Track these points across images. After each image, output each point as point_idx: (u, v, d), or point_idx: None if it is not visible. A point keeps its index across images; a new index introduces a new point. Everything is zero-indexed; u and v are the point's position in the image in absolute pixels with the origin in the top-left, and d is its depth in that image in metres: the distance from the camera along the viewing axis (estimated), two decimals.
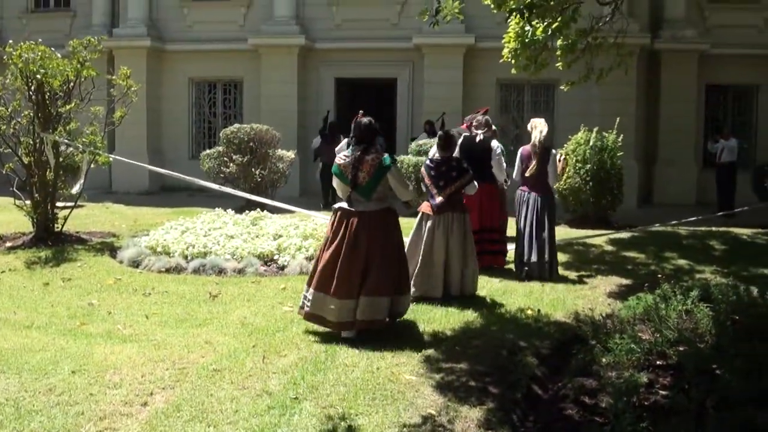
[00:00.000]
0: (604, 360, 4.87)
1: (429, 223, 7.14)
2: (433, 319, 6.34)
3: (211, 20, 18.63)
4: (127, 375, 4.80)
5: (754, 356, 4.62)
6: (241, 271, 8.02)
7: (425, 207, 7.26)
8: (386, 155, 6.00)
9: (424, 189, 7.58)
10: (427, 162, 7.42)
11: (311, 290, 5.81)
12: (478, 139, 8.62)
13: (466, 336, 5.89)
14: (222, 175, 13.47)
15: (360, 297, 5.70)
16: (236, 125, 14.13)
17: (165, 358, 5.14)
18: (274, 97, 17.71)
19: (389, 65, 18.13)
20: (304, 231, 9.09)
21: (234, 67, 18.53)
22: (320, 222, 9.78)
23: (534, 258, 8.22)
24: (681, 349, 5.04)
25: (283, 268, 8.19)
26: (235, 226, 9.44)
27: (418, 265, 7.03)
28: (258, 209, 10.51)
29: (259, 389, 4.57)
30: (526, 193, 8.42)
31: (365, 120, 6.06)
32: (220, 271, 8.00)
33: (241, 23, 18.54)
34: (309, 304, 5.80)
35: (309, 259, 8.26)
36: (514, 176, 8.74)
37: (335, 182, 6.09)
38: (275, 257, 8.38)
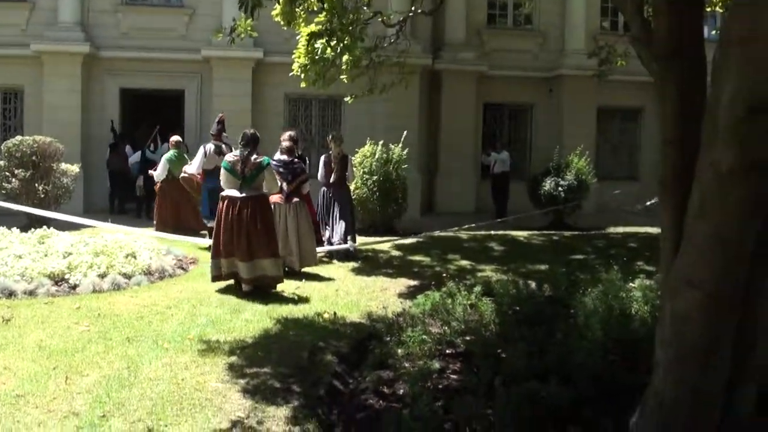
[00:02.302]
0: (399, 352, 5.30)
1: (280, 210, 9.17)
2: (234, 328, 6.48)
3: None
4: None
5: (535, 339, 5.26)
6: (32, 293, 7.61)
7: (276, 198, 9.08)
8: (265, 157, 8.25)
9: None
10: (274, 162, 9.06)
11: (217, 259, 7.92)
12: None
13: (267, 342, 6.07)
14: (4, 191, 12.64)
15: (253, 259, 7.80)
16: (18, 137, 13.34)
17: None
18: (57, 107, 16.70)
19: (177, 77, 17.77)
20: (94, 248, 8.83)
21: (15, 74, 17.08)
22: (110, 238, 9.57)
23: (338, 241, 10.61)
24: (468, 338, 5.60)
25: (75, 287, 7.90)
26: (22, 244, 8.98)
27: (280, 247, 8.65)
28: (45, 226, 10.04)
29: (65, 411, 4.48)
30: (329, 192, 10.87)
31: (250, 131, 8.33)
32: (11, 294, 7.53)
33: (23, 27, 17.14)
34: (215, 269, 7.98)
35: (102, 276, 8.09)
36: (319, 179, 10.95)
37: (225, 175, 8.09)
38: (66, 276, 8.05)
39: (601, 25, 19.88)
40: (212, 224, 9.73)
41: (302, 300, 7.80)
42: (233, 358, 5.59)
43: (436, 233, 13.11)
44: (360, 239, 12.33)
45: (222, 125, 11.17)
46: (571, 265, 9.42)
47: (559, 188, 14.94)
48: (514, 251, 11.81)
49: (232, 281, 8.12)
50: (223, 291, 8.08)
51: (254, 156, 8.05)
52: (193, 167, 11.08)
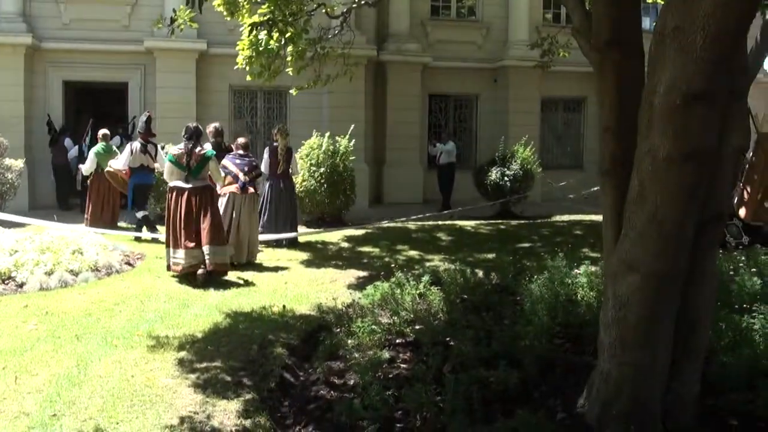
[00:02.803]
0: (349, 343, 5.34)
1: (236, 201, 9.50)
2: (183, 323, 6.44)
3: None
4: None
5: (483, 327, 5.36)
6: None
7: (233, 189, 9.51)
8: (209, 149, 8.78)
9: (225, 176, 9.52)
10: (230, 156, 9.80)
11: (173, 249, 8.25)
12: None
13: (216, 336, 6.06)
14: None
15: (204, 246, 8.17)
16: None
17: None
18: None
19: (120, 68, 17.37)
20: (40, 245, 8.67)
21: None
22: (56, 234, 9.41)
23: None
24: (417, 327, 5.67)
25: (22, 285, 7.73)
26: None
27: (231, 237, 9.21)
28: None
29: (15, 411, 4.43)
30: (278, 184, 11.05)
31: (193, 124, 8.74)
32: None
33: None
34: (173, 260, 8.26)
35: (48, 273, 7.95)
36: (263, 170, 10.80)
37: (170, 167, 8.38)
38: (13, 274, 7.88)
39: (544, 17, 20.13)
40: (141, 214, 11.28)
41: (251, 293, 7.78)
42: (183, 353, 5.57)
43: (384, 224, 13.18)
44: (308, 231, 12.42)
45: (149, 124, 11.37)
46: (518, 253, 9.60)
47: (505, 178, 15.12)
48: (461, 241, 11.93)
49: (185, 271, 8.25)
50: (171, 285, 8.04)
51: (198, 148, 8.43)
52: (119, 163, 11.26)
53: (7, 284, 7.79)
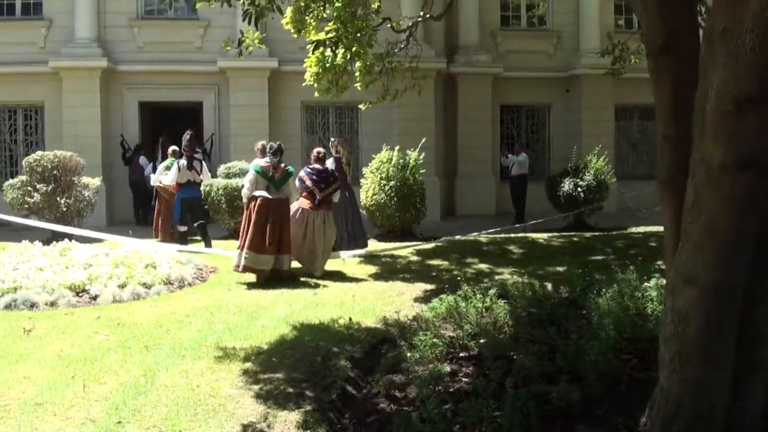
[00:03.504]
0: (410, 356, 5.32)
1: (309, 217, 9.76)
2: (250, 335, 6.54)
3: (10, 41, 17.42)
4: None
5: (547, 341, 5.26)
6: (53, 304, 7.77)
7: (305, 203, 9.79)
8: (290, 167, 9.65)
9: (301, 190, 9.92)
10: (308, 170, 10.03)
11: (247, 251, 8.96)
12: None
13: (281, 348, 6.12)
14: (27, 206, 12.88)
15: (277, 254, 9.09)
16: (39, 152, 13.58)
17: None
18: (76, 122, 17.00)
19: (194, 88, 18.02)
20: (114, 259, 8.97)
21: (34, 91, 17.47)
22: (130, 249, 9.70)
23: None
24: (482, 341, 5.62)
25: (95, 297, 8.04)
26: (44, 257, 9.13)
27: (305, 249, 9.75)
28: (66, 239, 10.22)
29: (82, 418, 4.57)
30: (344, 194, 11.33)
31: (277, 143, 9.75)
32: (32, 305, 7.70)
33: (41, 45, 17.53)
34: (245, 260, 8.98)
35: (121, 286, 8.21)
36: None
37: (255, 177, 9.29)
38: (87, 287, 8.20)
39: (616, 23, 19.75)
40: (183, 228, 11.96)
41: (319, 306, 7.84)
42: (248, 364, 5.65)
43: (456, 237, 13.13)
44: (379, 245, 12.50)
45: (192, 142, 12.11)
46: (590, 266, 9.40)
47: (578, 189, 14.86)
48: (533, 254, 11.76)
49: (248, 271, 9.14)
50: (242, 298, 8.20)
51: (283, 164, 9.48)
52: (168, 179, 12.16)
53: (82, 297, 8.09)
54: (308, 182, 9.90)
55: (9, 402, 4.89)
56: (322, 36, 8.86)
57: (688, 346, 3.32)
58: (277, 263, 9.16)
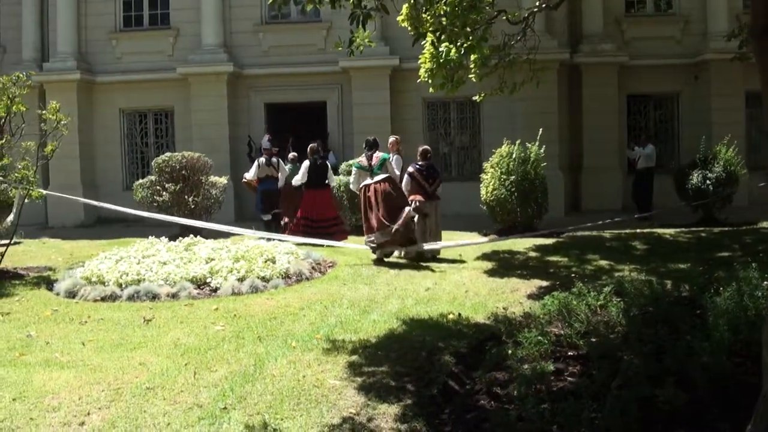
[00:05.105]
0: (516, 354, 5.23)
1: (424, 208, 10.78)
2: (360, 329, 6.65)
3: (140, 51, 18.75)
4: (65, 398, 4.97)
5: (656, 341, 5.04)
6: (174, 296, 8.18)
7: (418, 197, 10.84)
8: (384, 153, 11.03)
9: (412, 186, 11.10)
10: (417, 166, 11.16)
11: (370, 234, 10.49)
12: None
13: (389, 342, 6.20)
14: (155, 204, 13.58)
15: (389, 226, 10.22)
16: (167, 154, 14.29)
17: (101, 381, 5.32)
18: (204, 124, 17.90)
19: (318, 89, 18.47)
20: (235, 254, 9.32)
21: (164, 96, 18.64)
22: (252, 244, 10.02)
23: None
24: (592, 339, 5.45)
25: (216, 290, 8.39)
26: (169, 252, 9.60)
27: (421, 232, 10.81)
28: (192, 235, 10.70)
29: (190, 403, 4.80)
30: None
31: (371, 137, 11.21)
32: (154, 297, 8.14)
33: (169, 53, 18.67)
34: (377, 239, 10.39)
35: (240, 280, 8.51)
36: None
37: (357, 173, 11.02)
38: (208, 280, 8.56)
39: (744, 4, 18.28)
40: (267, 217, 13.38)
41: (431, 301, 7.86)
42: (354, 357, 5.76)
43: (568, 230, 12.88)
44: (500, 241, 12.40)
45: (271, 142, 13.98)
46: (714, 263, 8.95)
47: (707, 181, 14.10)
48: (657, 250, 11.29)
49: (381, 246, 10.49)
50: (356, 292, 8.34)
51: (376, 153, 10.90)
52: (250, 174, 13.64)
53: (203, 289, 8.45)
54: (419, 177, 11.08)
55: (122, 386, 5.20)
56: (429, 36, 8.80)
57: None
58: (391, 234, 10.24)
